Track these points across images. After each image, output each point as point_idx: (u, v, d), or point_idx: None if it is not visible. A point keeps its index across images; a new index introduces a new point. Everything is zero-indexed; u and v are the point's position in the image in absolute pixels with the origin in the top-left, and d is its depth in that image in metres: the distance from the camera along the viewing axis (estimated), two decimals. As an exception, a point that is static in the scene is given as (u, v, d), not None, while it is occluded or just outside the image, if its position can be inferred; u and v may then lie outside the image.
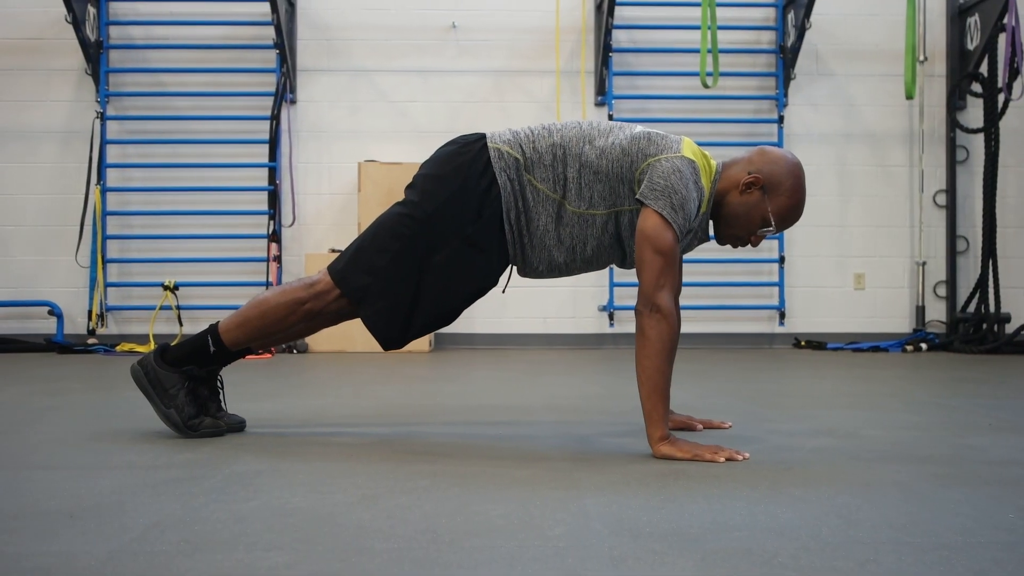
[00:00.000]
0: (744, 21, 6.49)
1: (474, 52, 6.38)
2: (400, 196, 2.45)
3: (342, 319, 2.49)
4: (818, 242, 6.39)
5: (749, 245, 2.42)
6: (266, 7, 5.99)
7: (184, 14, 6.31)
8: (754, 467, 2.06)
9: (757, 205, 2.31)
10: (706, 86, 5.70)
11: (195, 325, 6.09)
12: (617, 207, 2.31)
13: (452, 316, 2.42)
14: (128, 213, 6.24)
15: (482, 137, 2.39)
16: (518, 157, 2.33)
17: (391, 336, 2.39)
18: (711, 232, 2.48)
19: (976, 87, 6.24)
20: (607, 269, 6.24)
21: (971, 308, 6.21)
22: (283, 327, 2.45)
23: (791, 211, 2.34)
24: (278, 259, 6.09)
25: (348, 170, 6.22)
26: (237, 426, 2.53)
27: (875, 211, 6.45)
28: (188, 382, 2.43)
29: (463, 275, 2.35)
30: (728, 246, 2.48)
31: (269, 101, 6.18)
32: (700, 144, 2.46)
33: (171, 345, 2.48)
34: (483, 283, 2.39)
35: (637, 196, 2.24)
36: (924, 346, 6.03)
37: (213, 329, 2.47)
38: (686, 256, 2.79)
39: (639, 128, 2.36)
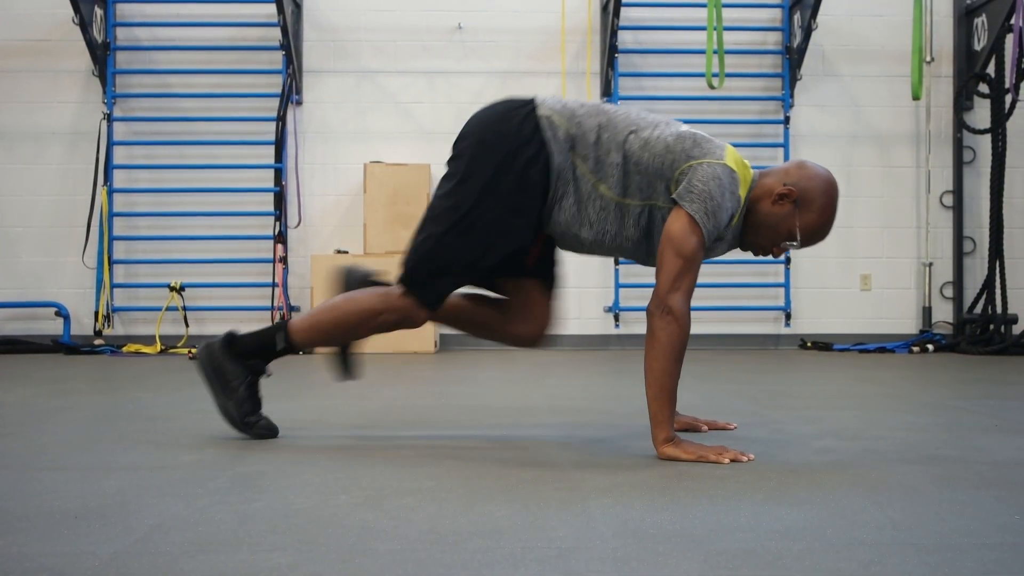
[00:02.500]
0: (750, 22, 6.48)
1: (480, 53, 6.39)
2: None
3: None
4: (824, 243, 6.33)
5: (770, 255, 2.41)
6: (272, 8, 6.00)
7: (190, 16, 6.32)
8: (759, 468, 2.06)
9: (786, 218, 2.30)
10: (712, 87, 5.70)
11: (201, 326, 6.12)
12: (652, 200, 2.28)
13: (482, 271, 2.40)
14: (134, 214, 6.25)
15: (531, 102, 2.36)
16: (567, 128, 2.30)
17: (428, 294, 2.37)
18: None
19: (983, 88, 6.21)
20: (612, 270, 6.24)
21: (978, 309, 6.19)
22: (357, 335, 2.46)
23: (819, 229, 2.33)
24: (284, 260, 6.09)
25: (354, 171, 6.22)
26: (269, 433, 2.49)
27: (881, 212, 6.44)
28: (250, 376, 2.41)
29: (502, 236, 2.32)
30: (736, 249, 2.47)
31: (275, 102, 6.19)
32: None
33: (238, 336, 2.44)
34: (516, 245, 2.35)
35: (673, 195, 2.22)
36: (931, 347, 6.01)
37: (283, 326, 2.44)
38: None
39: (685, 127, 2.33)
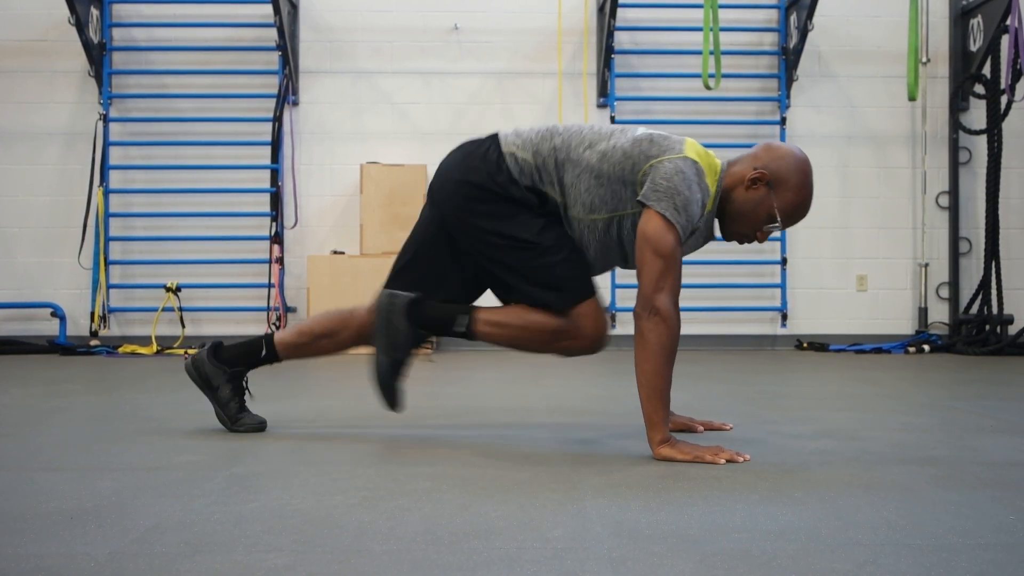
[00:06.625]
0: (746, 23, 6.49)
1: (476, 54, 6.39)
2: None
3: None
4: (820, 243, 6.38)
5: (756, 241, 2.40)
6: (268, 9, 6.00)
7: (187, 16, 6.32)
8: (754, 469, 2.06)
9: (763, 201, 2.29)
10: (708, 88, 5.70)
11: (197, 327, 6.11)
12: (619, 211, 2.30)
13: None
14: (131, 215, 6.24)
15: (494, 138, 2.40)
16: (531, 161, 2.34)
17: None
18: (716, 232, 2.47)
19: (979, 89, 6.22)
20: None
21: (974, 310, 6.20)
22: (338, 350, 2.58)
23: (798, 207, 2.31)
24: (280, 261, 6.09)
25: (350, 172, 6.22)
26: (258, 427, 2.59)
27: (878, 213, 6.44)
28: (232, 379, 2.55)
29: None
30: (731, 245, 2.48)
31: (271, 103, 6.18)
32: (702, 145, 2.45)
33: (224, 344, 2.59)
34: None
35: (639, 198, 2.23)
36: (927, 348, 6.02)
37: (269, 339, 2.56)
38: (688, 257, 2.79)
39: (641, 130, 2.34)
